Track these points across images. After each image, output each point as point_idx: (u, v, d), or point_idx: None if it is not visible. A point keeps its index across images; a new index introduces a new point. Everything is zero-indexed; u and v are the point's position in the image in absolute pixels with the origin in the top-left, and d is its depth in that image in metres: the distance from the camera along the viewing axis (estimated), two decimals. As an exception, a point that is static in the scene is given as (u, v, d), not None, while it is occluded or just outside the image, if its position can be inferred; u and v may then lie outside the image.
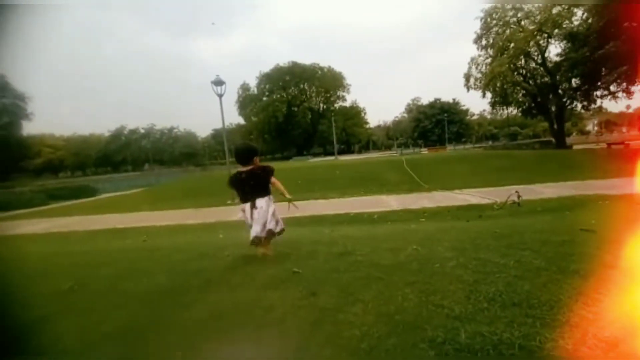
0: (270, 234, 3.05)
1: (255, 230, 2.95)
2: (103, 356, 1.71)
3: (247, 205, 3.00)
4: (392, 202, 10.25)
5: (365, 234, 4.93)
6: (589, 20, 17.69)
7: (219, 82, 13.36)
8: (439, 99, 71.33)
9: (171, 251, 4.19)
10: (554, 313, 1.66)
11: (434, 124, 68.27)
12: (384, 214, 8.40)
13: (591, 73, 18.68)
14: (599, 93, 21.62)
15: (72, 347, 1.79)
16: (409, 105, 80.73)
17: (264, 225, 2.96)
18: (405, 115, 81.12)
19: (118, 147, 76.02)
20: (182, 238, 6.47)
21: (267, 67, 66.70)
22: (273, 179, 3.05)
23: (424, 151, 41.04)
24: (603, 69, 17.87)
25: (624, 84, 18.95)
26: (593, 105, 24.11)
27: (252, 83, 67.49)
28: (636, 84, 18.85)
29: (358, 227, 6.82)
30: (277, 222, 3.13)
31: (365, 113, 73.73)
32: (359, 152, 70.39)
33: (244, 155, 3.11)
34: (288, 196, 3.09)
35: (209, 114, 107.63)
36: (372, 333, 1.62)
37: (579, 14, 21.95)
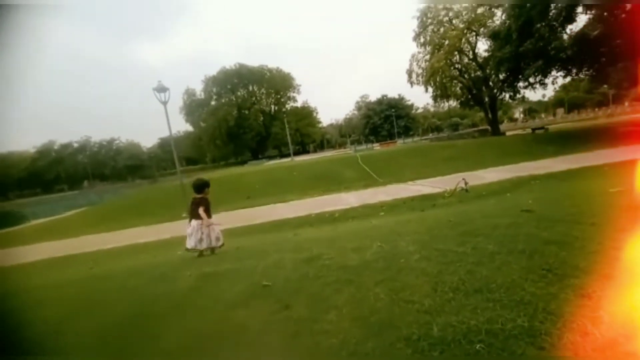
0: (210, 248, 4.24)
1: (190, 243, 4.13)
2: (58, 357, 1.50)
3: (188, 223, 4.20)
4: (351, 199, 10.50)
5: (329, 235, 4.97)
6: (507, 24, 19.78)
7: (162, 89, 12.49)
8: (386, 95, 74.60)
9: (125, 277, 3.83)
10: (509, 294, 1.81)
11: (383, 120, 71.23)
12: (345, 211, 8.57)
13: (514, 68, 20.91)
14: (521, 84, 24.28)
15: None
16: (358, 102, 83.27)
17: (198, 241, 4.11)
18: (356, 112, 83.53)
19: (47, 165, 67.61)
20: (136, 260, 5.96)
21: (211, 71, 64.15)
22: (200, 210, 4.06)
23: (376, 146, 42.62)
24: (522, 64, 20.09)
25: (539, 76, 21.59)
26: (518, 95, 27.03)
27: (197, 88, 64.51)
28: (547, 77, 21.62)
29: (321, 228, 6.87)
30: (217, 239, 4.24)
31: (317, 112, 74.46)
32: (314, 151, 70.95)
33: (198, 186, 4.25)
34: (207, 221, 4.12)
35: (153, 123, 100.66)
36: (350, 339, 1.63)
37: (498, 14, 24.55)
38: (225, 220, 9.70)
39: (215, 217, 4.50)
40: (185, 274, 3.26)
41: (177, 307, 2.43)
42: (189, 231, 4.16)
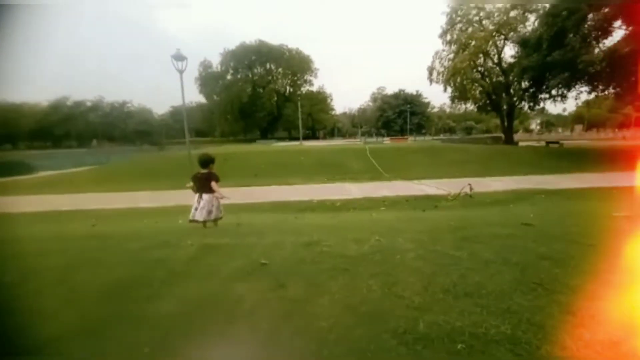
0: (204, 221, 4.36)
1: (201, 215, 4.24)
2: (58, 357, 1.61)
3: (197, 196, 4.31)
4: (354, 190, 10.54)
5: (329, 223, 5.05)
6: (538, 32, 19.16)
7: (180, 57, 12.44)
8: (403, 90, 73.39)
9: (127, 239, 3.95)
10: (498, 302, 1.88)
11: (397, 115, 70.32)
12: (347, 201, 8.63)
13: (539, 77, 20.37)
14: (543, 96, 23.73)
15: (26, 346, 1.67)
16: (374, 94, 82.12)
17: (208, 213, 4.26)
18: (370, 104, 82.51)
19: (59, 120, 68.14)
20: (138, 224, 6.12)
21: (229, 46, 63.16)
22: (213, 184, 4.23)
23: (387, 140, 42.27)
24: (548, 74, 19.55)
25: (563, 89, 21.04)
26: (537, 107, 26.46)
27: (213, 60, 63.87)
28: (571, 90, 21.07)
29: (321, 215, 6.95)
30: (220, 210, 4.42)
31: (331, 99, 73.69)
32: (324, 138, 70.58)
33: (204, 162, 4.40)
34: (220, 196, 4.36)
35: (166, 91, 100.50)
36: (339, 324, 1.71)
37: (532, 19, 23.74)
38: (228, 195, 9.86)
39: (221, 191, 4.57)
40: (187, 243, 3.37)
41: (177, 274, 2.53)
42: (200, 204, 4.26)
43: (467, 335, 1.56)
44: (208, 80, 63.05)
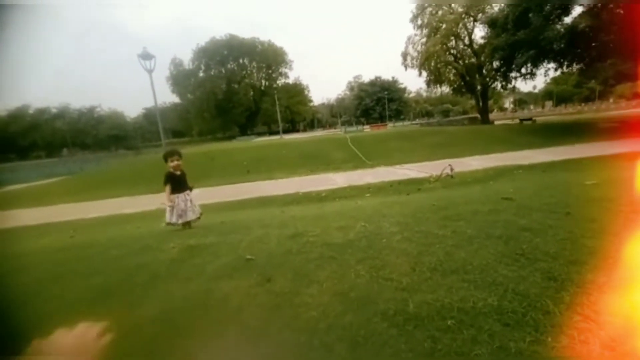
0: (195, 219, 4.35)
1: (185, 216, 4.20)
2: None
3: (176, 198, 4.16)
4: (338, 179, 10.56)
5: (314, 214, 5.02)
6: (505, 12, 19.58)
7: (147, 56, 11.94)
8: (380, 77, 73.78)
9: (107, 246, 3.78)
10: (483, 275, 1.91)
11: (375, 102, 70.78)
12: (332, 191, 8.63)
13: (508, 57, 20.93)
14: (513, 74, 24.43)
15: None
16: (350, 83, 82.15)
17: (191, 212, 4.24)
18: (348, 93, 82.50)
19: (22, 130, 64.33)
20: (119, 230, 5.89)
21: (200, 42, 61.29)
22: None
23: (367, 128, 42.51)
24: (517, 53, 20.11)
25: (531, 67, 21.74)
26: (509, 85, 27.24)
27: (184, 59, 61.83)
28: (539, 68, 21.80)
29: (307, 207, 6.92)
30: (196, 208, 4.34)
31: (308, 91, 73.20)
32: (304, 130, 70.22)
33: (172, 153, 4.27)
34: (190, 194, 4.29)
35: (137, 92, 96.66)
36: (329, 312, 1.69)
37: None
38: (211, 195, 9.66)
39: (200, 191, 4.49)
40: (169, 245, 3.26)
41: (159, 278, 2.44)
42: (181, 206, 4.14)
43: (455, 310, 1.57)
44: (180, 78, 61.07)
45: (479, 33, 27.53)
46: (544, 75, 23.58)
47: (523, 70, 22.75)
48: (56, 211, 9.83)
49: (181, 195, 4.15)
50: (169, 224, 4.19)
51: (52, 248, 4.38)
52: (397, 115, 70.59)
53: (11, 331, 1.90)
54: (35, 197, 13.03)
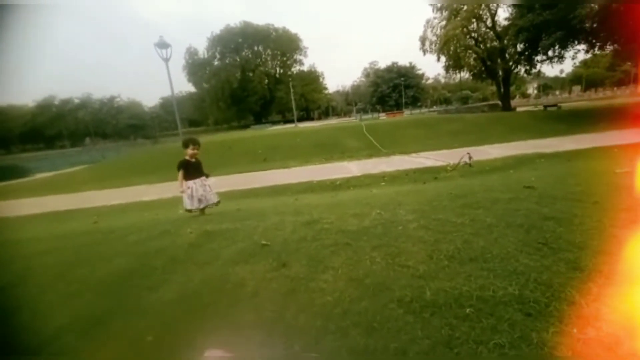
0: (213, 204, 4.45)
1: (201, 202, 4.25)
2: (63, 350, 1.59)
3: (191, 183, 4.21)
4: (353, 168, 10.47)
5: (329, 201, 5.01)
6: None
7: (163, 45, 12.03)
8: (396, 63, 71.72)
9: (128, 231, 3.91)
10: (504, 264, 1.85)
11: (392, 89, 69.09)
12: (346, 180, 8.58)
13: (534, 38, 19.82)
14: (539, 58, 23.18)
15: (27, 345, 1.65)
16: (366, 69, 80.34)
17: (206, 199, 4.30)
18: (364, 79, 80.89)
19: (49, 120, 66.94)
20: (139, 217, 6.09)
21: (212, 30, 61.36)
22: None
23: (382, 116, 41.75)
24: (543, 35, 19.00)
25: (559, 49, 20.51)
26: (534, 70, 25.91)
27: (199, 47, 62.06)
28: (567, 50, 20.53)
29: (322, 195, 6.91)
30: (214, 194, 4.42)
31: (323, 78, 72.20)
32: (319, 118, 69.72)
33: (191, 141, 4.30)
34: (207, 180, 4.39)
35: (154, 82, 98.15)
36: (344, 298, 1.68)
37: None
38: (226, 183, 9.80)
39: (216, 180, 4.60)
40: (187, 231, 3.33)
41: (177, 262, 2.50)
42: (193, 193, 4.20)
43: (474, 299, 1.53)
44: (195, 67, 61.48)
45: (503, 14, 26.17)
46: (572, 59, 22.29)
47: (550, 53, 21.51)
48: (81, 198, 10.25)
49: (198, 181, 4.23)
50: (188, 210, 4.28)
51: (75, 232, 4.58)
52: (414, 102, 68.81)
53: (34, 313, 2.01)
54: (63, 185, 13.64)
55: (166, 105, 72.91)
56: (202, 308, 1.82)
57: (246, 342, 1.50)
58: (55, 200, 10.30)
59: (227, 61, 61.50)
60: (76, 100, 70.71)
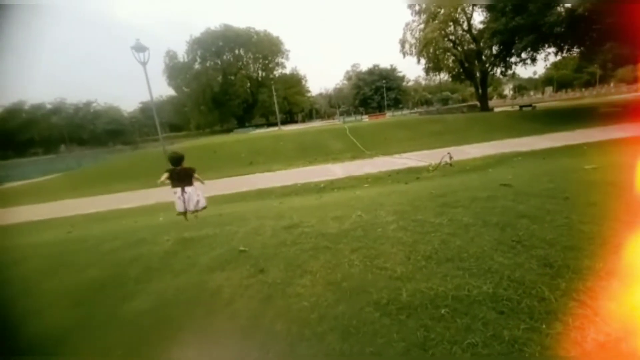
0: (195, 210, 4.51)
1: (190, 205, 4.35)
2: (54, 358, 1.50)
3: (178, 190, 4.32)
4: (337, 170, 10.50)
5: (311, 204, 4.99)
6: None
7: (140, 48, 11.68)
8: (378, 65, 72.67)
9: (102, 240, 3.77)
10: (479, 263, 1.87)
11: (374, 91, 69.88)
12: (330, 182, 8.59)
13: (508, 41, 20.58)
14: (513, 60, 24.07)
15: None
16: (348, 72, 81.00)
17: (196, 202, 4.39)
18: (346, 82, 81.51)
19: (18, 126, 63.75)
20: (116, 225, 5.88)
21: (195, 33, 60.24)
22: (195, 175, 4.44)
23: (365, 118, 42.17)
24: (516, 38, 19.76)
25: (531, 51, 21.39)
26: (509, 71, 26.87)
27: (179, 50, 60.83)
28: (539, 52, 21.44)
29: (305, 198, 6.89)
30: (204, 199, 4.56)
31: (306, 81, 72.17)
32: (303, 121, 69.66)
33: (176, 160, 4.44)
34: (204, 183, 4.69)
35: (133, 86, 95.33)
36: (321, 303, 1.66)
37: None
38: (210, 188, 9.60)
39: (200, 184, 4.69)
40: (164, 238, 3.23)
41: (152, 271, 2.42)
42: (186, 197, 4.35)
43: (450, 299, 1.54)
44: (175, 71, 60.15)
45: (478, 18, 27.04)
46: (544, 60, 23.26)
47: (523, 55, 22.40)
48: (55, 207, 9.81)
49: (189, 188, 4.33)
50: (180, 214, 4.38)
51: (48, 242, 4.38)
52: (396, 104, 69.83)
53: (7, 325, 1.89)
54: (34, 194, 13.01)
55: (146, 109, 70.92)
56: (176, 318, 1.76)
57: (221, 352, 1.46)
58: (28, 210, 9.82)
59: (207, 64, 60.52)
60: (48, 106, 67.76)
